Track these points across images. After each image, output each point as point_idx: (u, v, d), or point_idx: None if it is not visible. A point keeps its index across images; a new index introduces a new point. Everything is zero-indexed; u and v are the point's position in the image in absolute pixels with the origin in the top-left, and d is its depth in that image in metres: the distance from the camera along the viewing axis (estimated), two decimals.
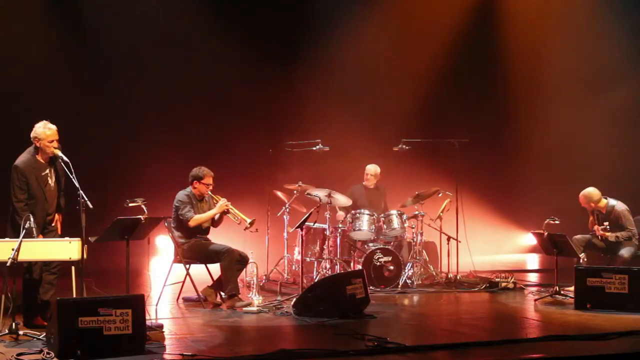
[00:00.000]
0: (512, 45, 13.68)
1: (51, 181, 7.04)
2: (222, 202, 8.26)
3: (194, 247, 8.25)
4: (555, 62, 13.58)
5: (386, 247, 9.63)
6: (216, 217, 8.40)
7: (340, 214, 10.34)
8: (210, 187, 8.40)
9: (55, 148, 6.90)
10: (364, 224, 9.77)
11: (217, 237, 8.68)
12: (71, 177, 6.71)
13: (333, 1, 12.85)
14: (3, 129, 10.50)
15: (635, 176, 12.11)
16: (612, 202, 9.43)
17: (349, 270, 9.41)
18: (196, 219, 8.21)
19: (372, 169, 10.56)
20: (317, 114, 12.32)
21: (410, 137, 10.70)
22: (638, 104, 13.03)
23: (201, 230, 8.37)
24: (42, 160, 6.99)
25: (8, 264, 6.09)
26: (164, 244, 11.34)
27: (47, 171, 7.01)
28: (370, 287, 8.55)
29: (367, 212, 9.84)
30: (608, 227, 9.20)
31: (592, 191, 9.47)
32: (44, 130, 6.90)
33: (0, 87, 10.75)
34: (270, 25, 12.48)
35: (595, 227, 9.32)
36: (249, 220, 8.25)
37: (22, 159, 6.94)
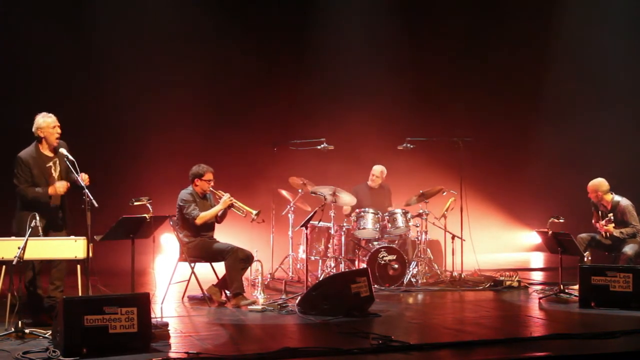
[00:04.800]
0: (516, 44, 13.66)
1: (55, 173, 7.10)
2: (226, 197, 8.28)
3: (199, 245, 8.26)
4: (559, 61, 13.57)
5: (390, 245, 9.63)
6: (220, 212, 8.41)
7: (346, 208, 10.33)
8: (212, 183, 8.42)
9: (58, 135, 7.01)
10: (369, 222, 9.76)
11: (223, 235, 8.69)
12: (76, 176, 6.74)
13: (338, 2, 12.85)
14: (9, 130, 10.54)
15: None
16: (617, 197, 9.39)
17: (354, 268, 9.42)
18: (202, 216, 8.22)
19: (379, 169, 10.56)
20: (321, 112, 12.34)
21: (414, 135, 10.70)
22: None
23: (206, 228, 8.38)
24: (45, 153, 7.06)
25: (14, 263, 6.12)
26: (169, 242, 11.37)
27: (51, 163, 7.08)
28: (375, 286, 8.54)
29: (371, 210, 9.84)
30: (612, 218, 9.16)
31: (601, 181, 9.41)
32: (44, 119, 7.03)
33: (7, 88, 10.81)
34: (276, 26, 12.53)
35: (600, 222, 9.29)
36: (254, 212, 8.27)
37: (25, 150, 7.04)
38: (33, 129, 7.07)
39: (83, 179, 6.80)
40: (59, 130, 7.05)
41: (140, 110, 11.59)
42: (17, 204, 6.99)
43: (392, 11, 13.16)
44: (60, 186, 6.93)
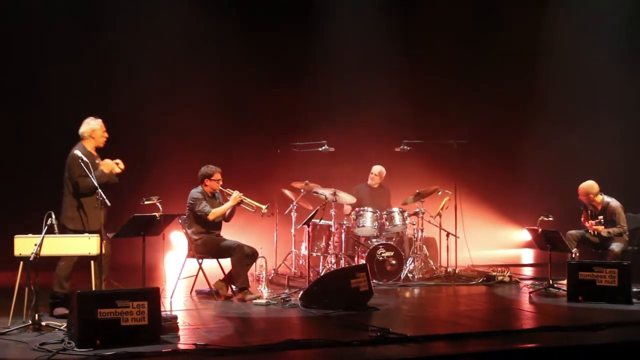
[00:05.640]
0: (508, 52, 13.66)
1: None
2: (236, 194, 8.28)
3: (207, 242, 8.27)
4: (550, 69, 13.55)
5: (388, 242, 9.63)
6: (230, 209, 8.40)
7: (347, 207, 10.34)
8: (220, 182, 8.43)
9: (106, 138, 7.41)
10: (368, 220, 9.77)
11: (229, 233, 8.70)
12: (90, 177, 6.76)
13: (339, 12, 12.84)
14: (26, 132, 10.60)
15: (626, 175, 12.06)
16: (607, 198, 9.36)
17: (353, 264, 9.42)
18: (214, 212, 8.22)
19: (377, 169, 10.59)
20: (322, 116, 12.33)
21: (411, 138, 10.71)
22: (629, 103, 12.99)
23: (214, 226, 8.38)
24: (92, 152, 7.31)
25: (31, 259, 6.14)
26: (178, 239, 11.38)
27: (98, 161, 7.31)
28: (374, 281, 8.55)
29: (370, 209, 9.84)
30: (602, 220, 9.15)
31: (591, 184, 9.36)
32: (97, 122, 7.36)
33: (25, 91, 10.85)
34: (279, 35, 12.50)
35: (589, 222, 9.28)
36: (264, 207, 8.28)
37: (78, 150, 7.16)
38: (84, 130, 7.32)
39: (117, 162, 7.28)
40: (107, 134, 7.39)
41: (151, 116, 11.58)
42: (72, 198, 7.08)
43: (390, 21, 13.14)
44: (108, 163, 7.22)
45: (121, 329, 5.66)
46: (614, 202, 9.31)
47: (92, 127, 7.32)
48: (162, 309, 6.13)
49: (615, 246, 9.00)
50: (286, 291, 8.43)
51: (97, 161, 7.29)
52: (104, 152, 7.48)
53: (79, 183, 7.02)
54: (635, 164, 12.49)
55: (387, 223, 9.87)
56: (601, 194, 9.38)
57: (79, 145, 7.27)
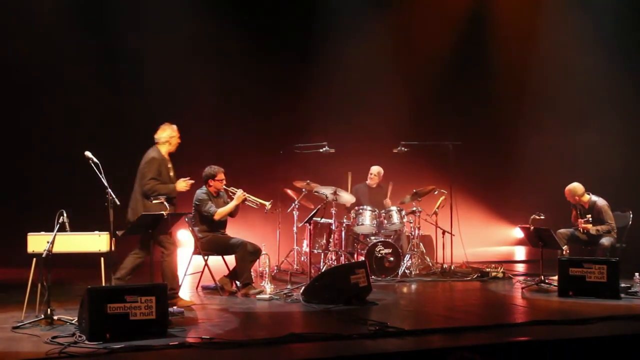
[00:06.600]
0: (501, 56, 13.64)
1: (172, 173, 7.58)
2: (240, 193, 8.26)
3: (212, 240, 8.25)
4: (543, 68, 13.52)
5: (386, 240, 9.62)
6: (234, 207, 8.39)
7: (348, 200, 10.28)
8: (224, 182, 8.41)
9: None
10: (367, 219, 9.76)
11: (234, 231, 8.69)
12: (100, 177, 6.75)
13: (338, 13, 12.83)
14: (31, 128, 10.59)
15: (614, 175, 12.04)
16: (594, 198, 9.38)
17: (353, 261, 9.41)
18: (219, 212, 8.21)
19: (376, 169, 10.59)
20: (323, 119, 12.32)
21: (408, 140, 10.69)
22: (620, 105, 12.96)
23: (219, 225, 8.37)
24: (166, 156, 7.57)
25: (43, 256, 6.13)
26: (184, 237, 11.36)
27: (170, 165, 7.57)
28: (372, 277, 8.53)
29: (369, 208, 9.84)
30: (590, 219, 9.17)
31: (576, 186, 9.43)
32: (173, 129, 7.67)
33: (38, 91, 10.86)
34: (282, 40, 12.48)
35: (579, 220, 9.28)
36: (268, 203, 8.28)
37: (156, 154, 7.51)
38: (162, 135, 7.62)
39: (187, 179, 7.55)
40: (180, 140, 7.69)
41: (160, 118, 11.53)
42: (140, 196, 7.31)
43: (389, 27, 13.14)
44: (182, 186, 7.50)
45: (130, 323, 5.65)
46: (600, 201, 9.33)
47: (170, 134, 7.59)
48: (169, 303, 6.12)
49: (605, 240, 9.03)
50: (288, 287, 8.42)
51: (169, 165, 7.52)
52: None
53: (149, 185, 7.26)
54: (623, 164, 12.48)
55: (386, 221, 9.86)
56: (588, 194, 9.40)
57: (155, 149, 7.53)
